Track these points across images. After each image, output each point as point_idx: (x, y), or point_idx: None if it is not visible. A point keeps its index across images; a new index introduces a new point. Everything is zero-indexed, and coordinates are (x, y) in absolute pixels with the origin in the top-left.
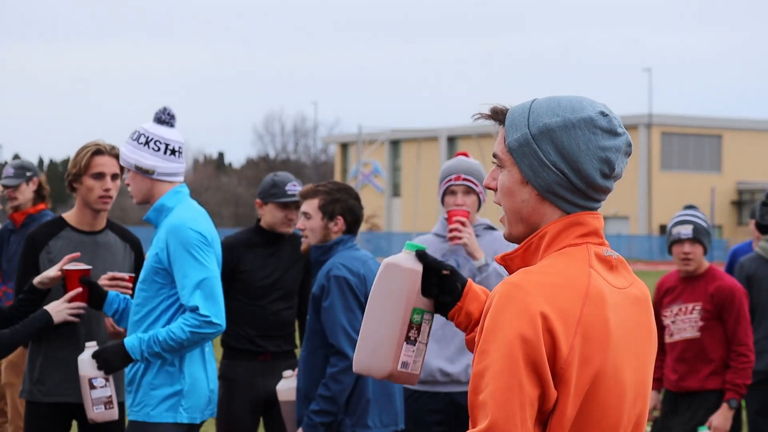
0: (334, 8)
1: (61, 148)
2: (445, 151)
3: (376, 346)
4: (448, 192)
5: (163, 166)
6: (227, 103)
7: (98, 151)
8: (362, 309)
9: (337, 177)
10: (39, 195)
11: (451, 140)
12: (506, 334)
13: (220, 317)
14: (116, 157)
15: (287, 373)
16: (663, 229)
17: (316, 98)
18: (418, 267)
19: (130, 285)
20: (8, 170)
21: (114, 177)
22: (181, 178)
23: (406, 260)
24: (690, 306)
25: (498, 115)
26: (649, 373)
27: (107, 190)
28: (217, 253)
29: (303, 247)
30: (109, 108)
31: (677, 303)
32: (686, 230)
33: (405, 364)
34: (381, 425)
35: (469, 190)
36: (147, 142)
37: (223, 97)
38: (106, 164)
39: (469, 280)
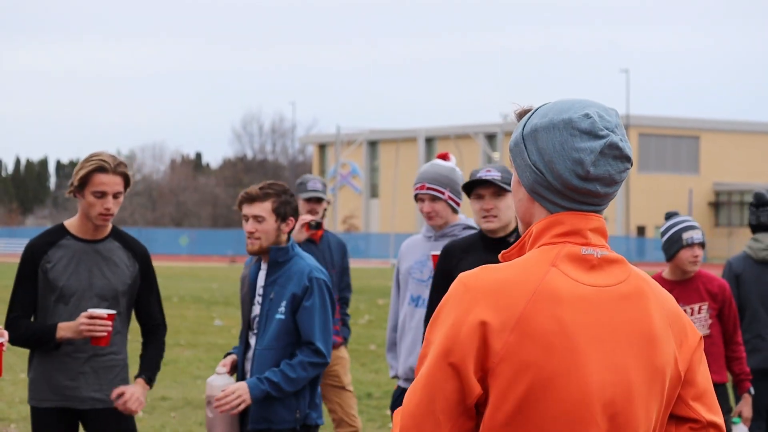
0: (312, 9)
1: (39, 149)
2: (423, 152)
3: None
4: (417, 198)
5: None
6: (205, 103)
7: (101, 168)
8: (333, 309)
9: None
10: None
11: (429, 141)
12: (444, 330)
13: None
14: (121, 174)
15: (221, 369)
16: (640, 230)
17: (294, 98)
18: None
19: (109, 324)
20: (315, 183)
21: (116, 195)
22: None
23: None
24: (697, 306)
25: (520, 116)
26: (638, 372)
27: (107, 209)
28: None
29: (254, 248)
30: (87, 107)
31: (682, 305)
32: (698, 235)
33: None
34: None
35: (435, 198)
36: None
37: (202, 97)
38: (108, 183)
39: None
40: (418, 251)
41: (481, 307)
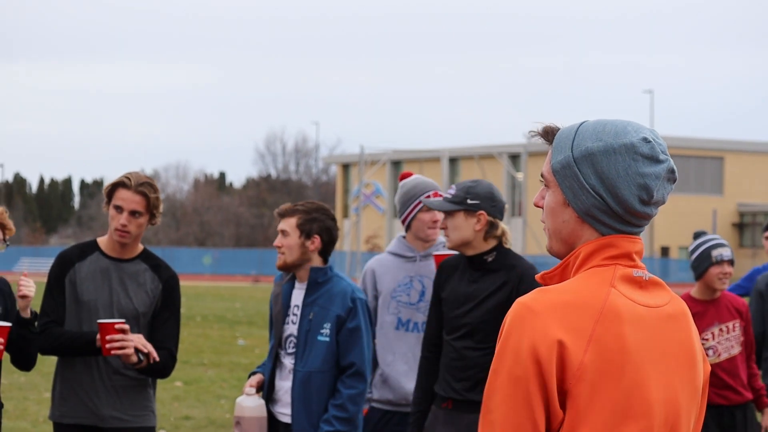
0: (336, 28)
1: (63, 168)
2: (447, 172)
3: None
4: (423, 209)
5: None
6: (229, 122)
7: (122, 183)
8: (373, 331)
9: (338, 197)
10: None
11: (453, 161)
12: (518, 356)
13: None
14: (141, 193)
15: (250, 390)
16: (664, 251)
17: (317, 118)
18: None
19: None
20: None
21: (134, 213)
22: None
23: None
24: (731, 324)
25: (548, 135)
26: (683, 391)
27: (123, 225)
28: None
29: (279, 263)
30: (111, 127)
31: (715, 324)
32: (727, 252)
33: None
34: None
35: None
36: None
37: (225, 116)
38: (125, 199)
39: None
40: (399, 272)
41: (553, 328)
